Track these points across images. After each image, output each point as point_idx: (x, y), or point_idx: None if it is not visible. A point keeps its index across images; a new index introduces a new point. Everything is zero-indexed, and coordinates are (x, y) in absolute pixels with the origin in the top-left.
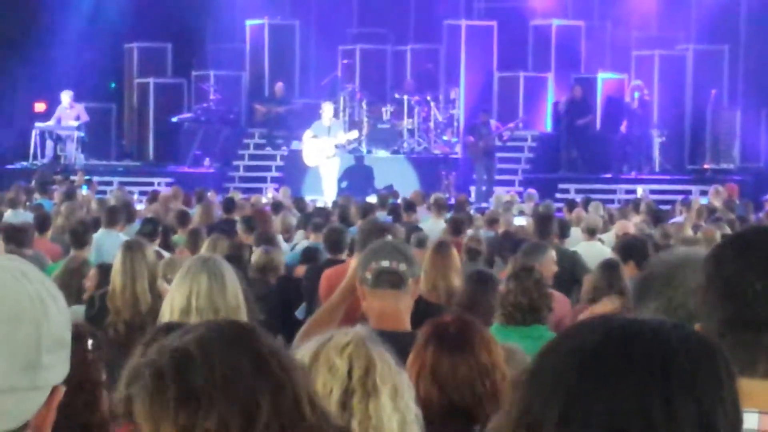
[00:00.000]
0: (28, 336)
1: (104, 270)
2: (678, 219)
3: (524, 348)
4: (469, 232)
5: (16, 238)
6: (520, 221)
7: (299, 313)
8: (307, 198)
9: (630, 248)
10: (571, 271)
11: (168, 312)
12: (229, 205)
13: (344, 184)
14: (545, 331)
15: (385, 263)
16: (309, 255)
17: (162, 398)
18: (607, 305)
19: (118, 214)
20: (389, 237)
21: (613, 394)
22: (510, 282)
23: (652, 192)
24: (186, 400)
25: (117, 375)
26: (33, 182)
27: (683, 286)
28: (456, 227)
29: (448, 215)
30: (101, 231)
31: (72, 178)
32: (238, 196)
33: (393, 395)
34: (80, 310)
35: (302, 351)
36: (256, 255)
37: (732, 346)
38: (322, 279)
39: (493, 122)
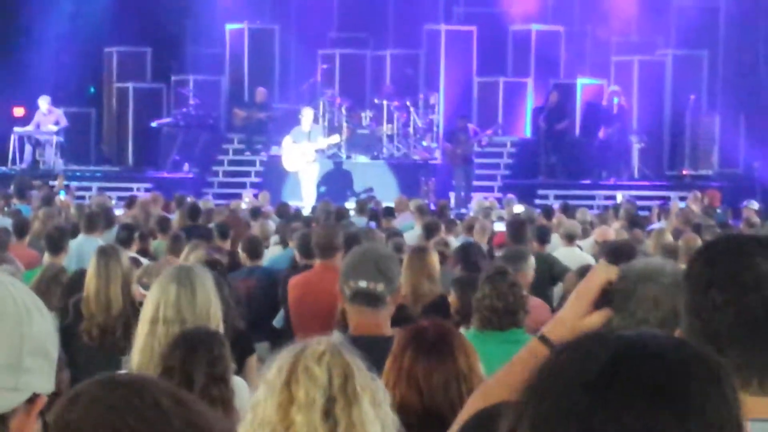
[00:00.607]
0: (9, 334)
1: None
2: (656, 225)
3: (502, 353)
4: (453, 239)
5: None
6: (499, 227)
7: (276, 322)
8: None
9: (618, 253)
10: (549, 273)
11: (141, 323)
12: (194, 212)
13: (323, 189)
14: (522, 335)
15: (363, 284)
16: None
17: None
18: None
19: (98, 220)
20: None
21: (626, 423)
22: (485, 286)
23: (631, 198)
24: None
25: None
26: (12, 187)
27: (645, 301)
28: (429, 232)
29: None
30: (81, 237)
31: (51, 183)
32: (210, 204)
33: (372, 402)
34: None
35: (277, 362)
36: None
37: None
38: (289, 287)
39: (471, 126)
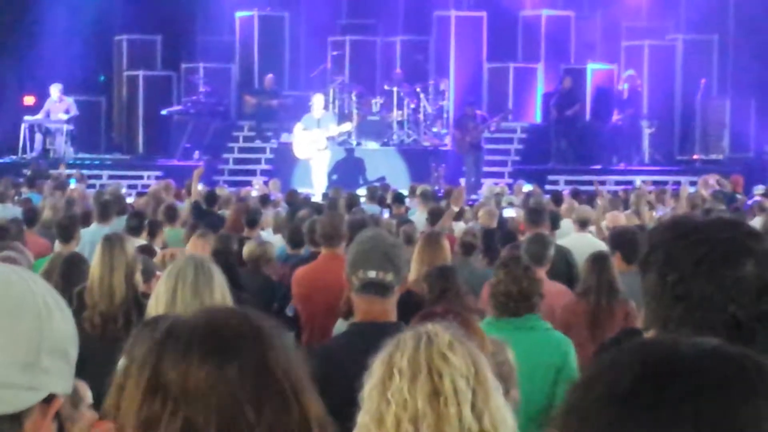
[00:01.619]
0: (29, 332)
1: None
2: (666, 210)
3: (517, 340)
4: (462, 225)
5: (4, 232)
6: (509, 213)
7: (289, 311)
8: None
9: (619, 239)
10: (566, 267)
11: (154, 305)
12: (210, 199)
13: (335, 177)
14: (536, 321)
15: (372, 273)
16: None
17: (132, 387)
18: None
19: (111, 209)
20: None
21: None
22: (499, 272)
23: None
24: (153, 392)
25: (92, 369)
26: (27, 175)
27: None
28: (434, 218)
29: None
30: (94, 226)
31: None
32: (225, 191)
33: (497, 390)
34: None
35: (405, 354)
36: (248, 247)
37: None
38: (294, 278)
39: (479, 112)
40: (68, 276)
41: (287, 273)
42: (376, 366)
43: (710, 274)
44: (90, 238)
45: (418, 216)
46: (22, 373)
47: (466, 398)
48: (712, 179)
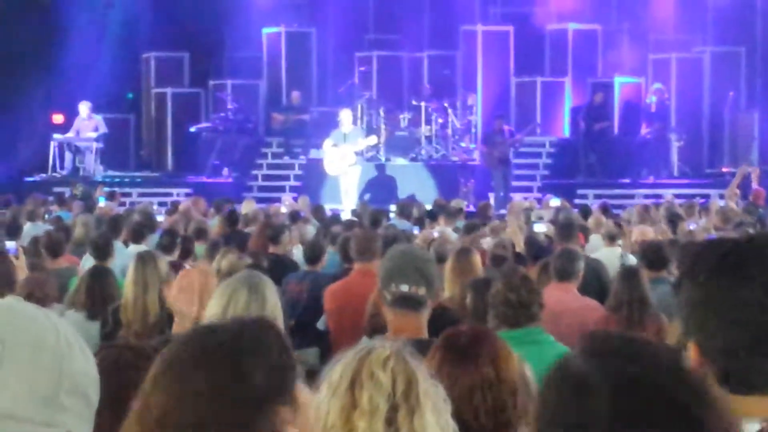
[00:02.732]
0: (49, 367)
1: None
2: (695, 223)
3: (524, 354)
4: (490, 239)
5: (52, 248)
6: (540, 228)
7: (320, 325)
8: (327, 207)
9: (648, 253)
10: (597, 281)
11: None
12: (232, 220)
13: (367, 197)
14: (540, 334)
15: (404, 287)
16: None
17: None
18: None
19: (143, 231)
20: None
21: None
22: (498, 282)
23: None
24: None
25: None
26: (76, 192)
27: None
28: (469, 232)
29: (460, 223)
30: (131, 247)
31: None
32: (252, 205)
33: (434, 410)
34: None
35: (341, 365)
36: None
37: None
38: (326, 294)
39: (506, 127)
40: (93, 289)
41: (304, 289)
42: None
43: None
44: (120, 261)
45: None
46: (41, 409)
47: (381, 414)
48: (731, 187)
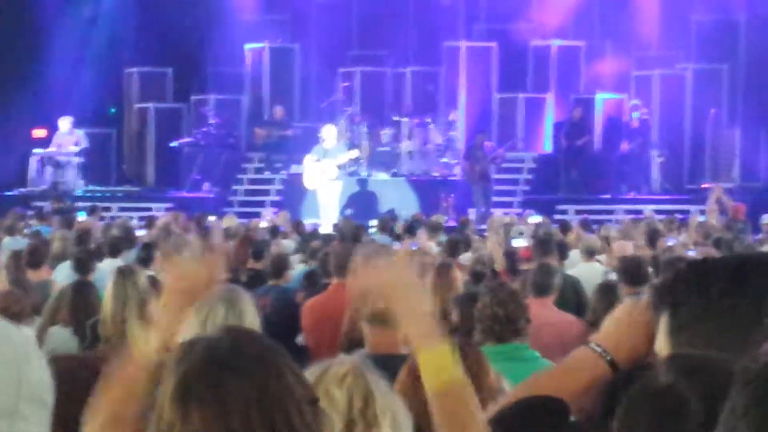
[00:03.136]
0: (7, 379)
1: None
2: (675, 239)
3: (509, 371)
4: (468, 254)
5: (34, 259)
6: (519, 243)
7: (300, 340)
8: (307, 222)
9: (627, 269)
10: (575, 299)
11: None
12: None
13: (348, 212)
14: (526, 350)
15: (381, 302)
16: (310, 280)
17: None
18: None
19: (121, 245)
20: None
21: None
22: (485, 296)
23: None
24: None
25: None
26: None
27: None
28: (451, 248)
29: (442, 238)
30: (107, 261)
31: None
32: (233, 221)
33: (393, 425)
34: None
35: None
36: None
37: None
38: (303, 310)
39: (488, 143)
40: (77, 304)
41: (267, 303)
42: None
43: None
44: (100, 275)
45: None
46: (2, 420)
47: (336, 431)
48: (710, 205)
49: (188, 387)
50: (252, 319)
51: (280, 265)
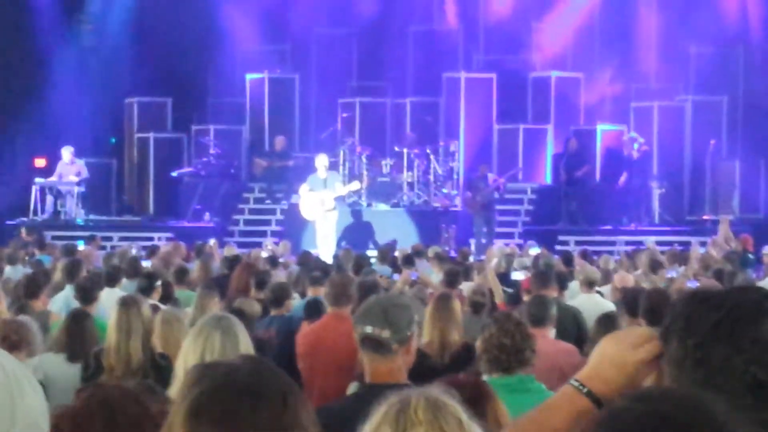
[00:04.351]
0: (2, 408)
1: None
2: (676, 271)
3: (515, 403)
4: (470, 284)
5: (30, 291)
6: (518, 276)
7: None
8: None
9: (629, 300)
10: (576, 329)
11: (182, 370)
12: (233, 263)
13: (344, 241)
14: (532, 383)
15: (368, 329)
16: (313, 308)
17: None
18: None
19: (118, 275)
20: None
21: None
22: (491, 326)
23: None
24: None
25: None
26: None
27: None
28: (450, 279)
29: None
30: (105, 290)
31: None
32: (233, 251)
33: None
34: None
35: (375, 417)
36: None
37: None
38: (298, 338)
39: (491, 176)
40: (74, 331)
41: (273, 335)
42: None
43: (728, 337)
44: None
45: (435, 277)
46: None
47: None
48: (721, 238)
49: (203, 406)
50: (246, 345)
51: (281, 294)
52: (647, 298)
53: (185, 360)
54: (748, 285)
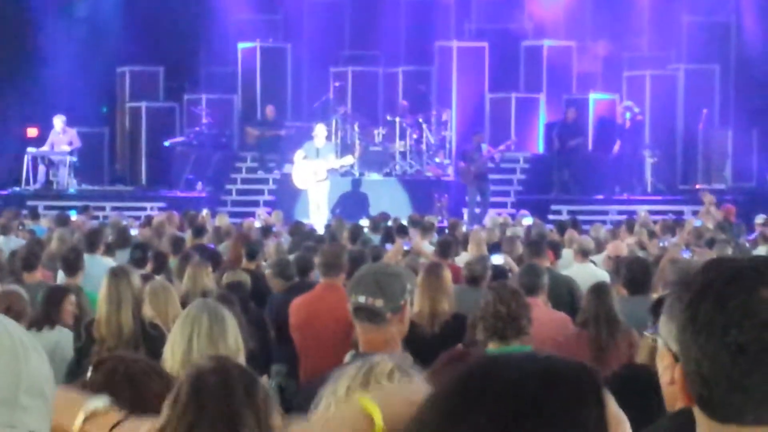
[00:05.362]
0: (5, 370)
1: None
2: (667, 241)
3: None
4: (465, 255)
5: (28, 263)
6: (497, 260)
7: None
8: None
9: (621, 268)
10: (570, 298)
11: (170, 354)
12: (199, 232)
13: (338, 211)
14: None
15: (362, 299)
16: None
17: None
18: None
19: (99, 238)
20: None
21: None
22: (488, 294)
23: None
24: None
25: None
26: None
27: None
28: (443, 250)
29: (435, 238)
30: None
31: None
32: (225, 220)
33: None
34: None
35: (344, 380)
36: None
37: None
38: (290, 309)
39: (485, 146)
40: (48, 304)
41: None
42: None
43: (716, 295)
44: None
45: (427, 247)
46: (2, 410)
47: None
48: (705, 209)
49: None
50: (233, 330)
51: (305, 266)
52: (627, 268)
53: (173, 344)
54: (760, 256)
